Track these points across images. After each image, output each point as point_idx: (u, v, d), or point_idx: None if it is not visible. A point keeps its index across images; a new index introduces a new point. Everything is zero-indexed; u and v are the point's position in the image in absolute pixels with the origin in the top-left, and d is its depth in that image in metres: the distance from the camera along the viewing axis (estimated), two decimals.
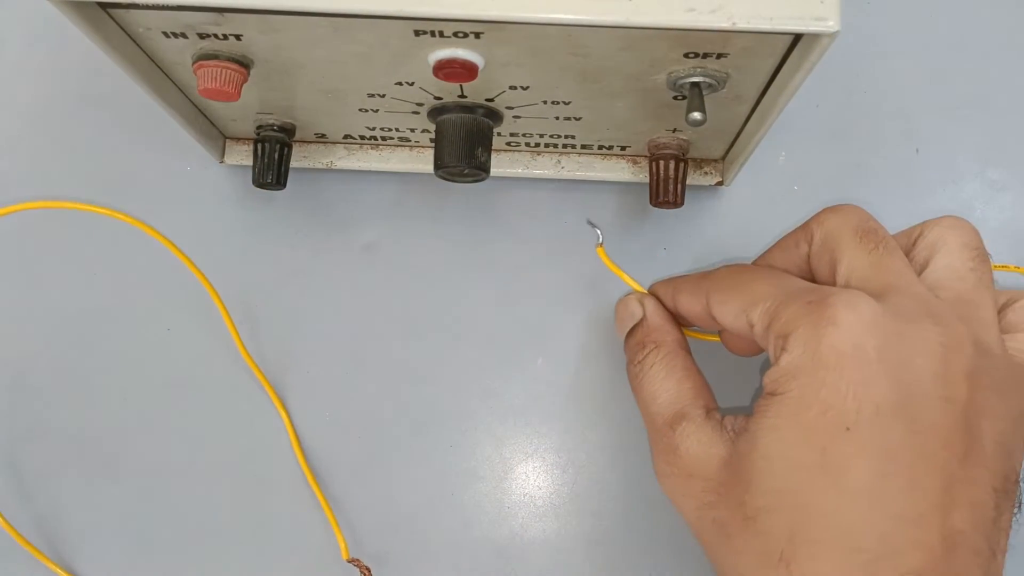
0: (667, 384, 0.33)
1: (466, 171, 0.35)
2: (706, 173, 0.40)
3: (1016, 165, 0.42)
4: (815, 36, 0.27)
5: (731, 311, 0.31)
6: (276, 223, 0.41)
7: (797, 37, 0.28)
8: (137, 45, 0.31)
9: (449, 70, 0.30)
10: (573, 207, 0.41)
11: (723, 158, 0.39)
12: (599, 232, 0.37)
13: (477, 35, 0.28)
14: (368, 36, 0.29)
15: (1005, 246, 0.42)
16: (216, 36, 0.30)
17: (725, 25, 0.26)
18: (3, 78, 0.42)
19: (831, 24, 0.26)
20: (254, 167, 0.38)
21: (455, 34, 0.28)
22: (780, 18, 0.26)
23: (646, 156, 0.39)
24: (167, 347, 0.40)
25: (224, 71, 0.31)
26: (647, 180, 0.38)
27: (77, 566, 0.39)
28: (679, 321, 0.35)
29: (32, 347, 0.40)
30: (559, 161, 0.40)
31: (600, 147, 0.39)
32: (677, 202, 0.37)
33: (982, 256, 0.31)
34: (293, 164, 0.39)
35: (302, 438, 0.40)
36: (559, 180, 0.40)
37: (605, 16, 0.26)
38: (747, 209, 0.41)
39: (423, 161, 0.39)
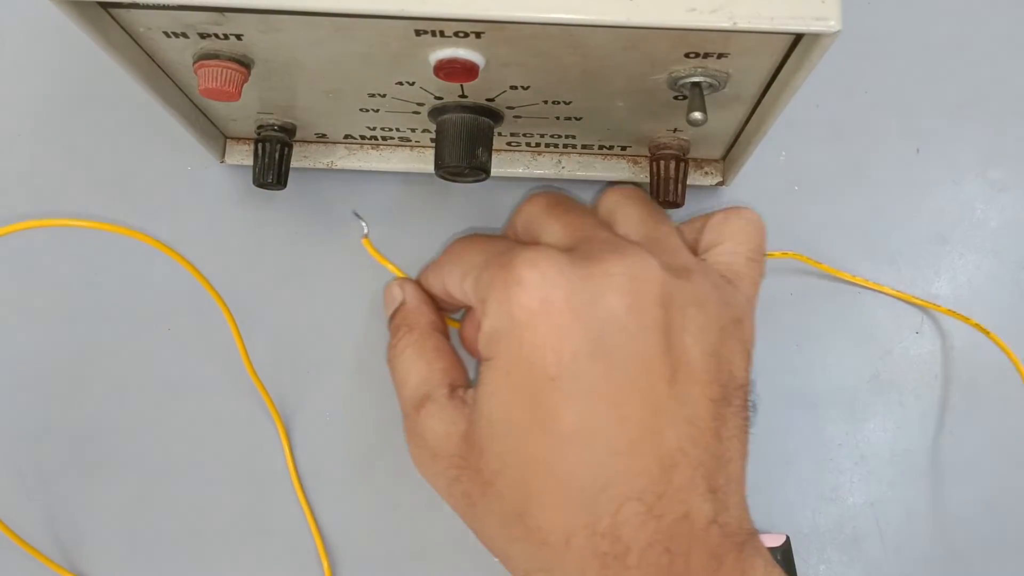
0: (417, 366, 0.34)
1: (467, 171, 0.35)
2: (707, 173, 0.40)
3: (1017, 165, 0.42)
4: (816, 36, 0.27)
5: (455, 282, 0.33)
6: (276, 223, 0.41)
7: (798, 37, 0.28)
8: (138, 45, 0.31)
9: (450, 70, 0.30)
10: None
11: (724, 158, 0.39)
12: (364, 224, 0.38)
13: (478, 35, 0.28)
14: (369, 36, 0.29)
15: (1006, 246, 0.42)
16: (217, 36, 0.30)
17: (726, 25, 0.26)
18: (3, 77, 0.42)
19: (832, 24, 0.26)
20: (254, 167, 0.38)
21: (456, 34, 0.28)
22: (781, 18, 0.26)
23: (647, 156, 0.39)
24: (167, 347, 0.40)
25: (225, 71, 0.31)
26: (648, 180, 0.38)
27: (77, 565, 0.39)
28: (441, 306, 0.37)
29: (33, 347, 0.40)
30: (560, 161, 0.40)
31: (601, 147, 0.39)
32: (678, 202, 0.37)
33: (648, 201, 0.34)
34: (293, 164, 0.39)
35: (302, 438, 0.40)
36: (560, 180, 0.40)
37: (606, 16, 0.26)
38: None
39: (424, 161, 0.39)
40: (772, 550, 0.38)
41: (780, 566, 0.38)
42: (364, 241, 0.38)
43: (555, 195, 0.34)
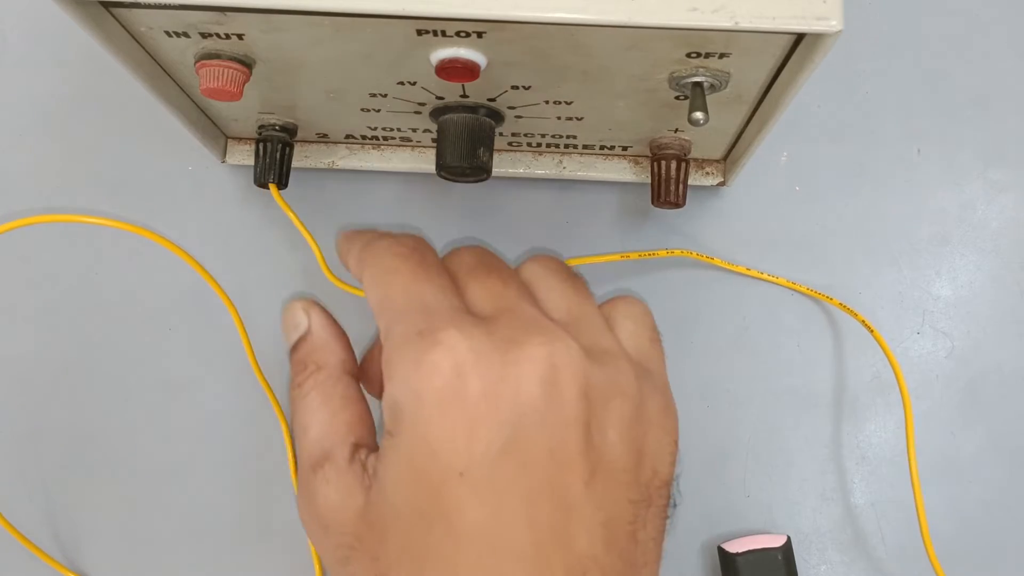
0: (320, 415, 0.30)
1: (468, 171, 0.35)
2: (708, 173, 0.40)
3: (1018, 165, 0.42)
4: (818, 36, 0.27)
5: (372, 302, 0.29)
6: (277, 223, 0.41)
7: (800, 37, 0.28)
8: (139, 44, 0.31)
9: (451, 70, 0.30)
10: (575, 207, 0.41)
11: (725, 158, 0.39)
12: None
13: (479, 34, 0.28)
14: (370, 35, 0.29)
15: (1006, 246, 0.42)
16: (218, 35, 0.30)
17: (728, 25, 0.26)
18: (5, 76, 0.42)
19: (834, 24, 0.26)
20: (256, 167, 0.38)
21: (457, 33, 0.28)
22: (783, 17, 0.26)
23: (648, 156, 0.39)
24: (167, 347, 0.40)
25: (226, 70, 0.31)
26: (649, 180, 0.38)
27: (77, 565, 0.39)
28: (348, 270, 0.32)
29: (33, 347, 0.40)
30: (561, 161, 0.40)
31: (602, 147, 0.39)
32: (679, 202, 0.37)
33: (571, 275, 0.31)
34: (295, 164, 0.39)
35: None
36: (561, 180, 0.40)
37: (608, 15, 0.26)
38: (749, 209, 0.41)
39: (425, 161, 0.39)
40: (773, 550, 0.38)
41: (781, 566, 0.38)
42: (272, 187, 0.37)
43: (480, 251, 0.31)
